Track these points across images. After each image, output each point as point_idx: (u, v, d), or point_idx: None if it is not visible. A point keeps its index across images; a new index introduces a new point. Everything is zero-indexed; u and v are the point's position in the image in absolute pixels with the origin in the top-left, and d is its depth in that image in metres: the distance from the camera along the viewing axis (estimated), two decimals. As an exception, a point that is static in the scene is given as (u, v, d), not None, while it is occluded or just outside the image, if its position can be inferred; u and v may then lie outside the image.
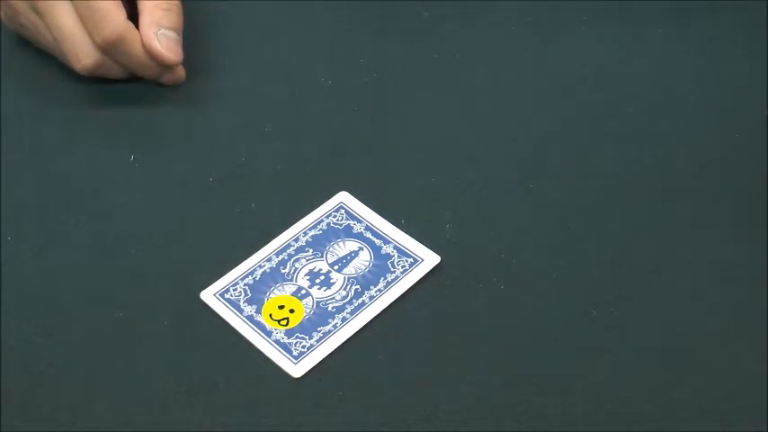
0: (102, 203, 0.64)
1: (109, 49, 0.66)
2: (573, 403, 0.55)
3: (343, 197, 0.64)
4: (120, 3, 0.67)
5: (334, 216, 0.63)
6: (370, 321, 0.58)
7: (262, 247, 0.61)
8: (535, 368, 0.56)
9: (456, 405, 0.55)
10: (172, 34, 0.68)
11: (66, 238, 0.62)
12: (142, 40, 0.67)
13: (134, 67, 0.68)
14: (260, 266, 0.61)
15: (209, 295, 0.59)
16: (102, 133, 0.68)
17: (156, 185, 0.65)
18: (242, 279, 0.60)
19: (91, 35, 0.66)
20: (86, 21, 0.66)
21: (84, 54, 0.67)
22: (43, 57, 0.71)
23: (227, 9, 0.75)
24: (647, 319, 0.58)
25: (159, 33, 0.67)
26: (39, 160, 0.66)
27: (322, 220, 0.63)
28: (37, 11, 0.67)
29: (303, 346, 0.57)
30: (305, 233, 0.62)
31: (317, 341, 0.57)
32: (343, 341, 0.57)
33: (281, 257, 0.61)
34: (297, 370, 0.56)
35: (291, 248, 0.61)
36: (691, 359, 0.56)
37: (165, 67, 0.68)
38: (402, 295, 0.59)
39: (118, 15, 0.66)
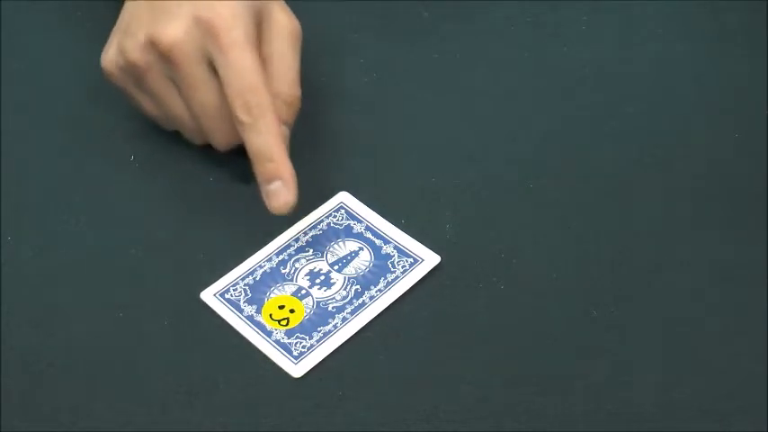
0: (102, 204, 0.64)
1: (242, 122, 0.59)
2: (573, 403, 0.55)
3: (343, 197, 0.64)
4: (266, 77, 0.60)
5: (335, 216, 0.63)
6: (370, 321, 0.58)
7: (262, 247, 0.61)
8: (535, 368, 0.56)
9: (456, 405, 0.55)
10: (285, 131, 0.61)
11: (66, 238, 0.62)
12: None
13: (257, 154, 0.60)
14: (260, 266, 0.61)
15: (209, 295, 0.59)
16: (102, 133, 0.68)
17: (156, 185, 0.65)
18: (242, 279, 0.60)
19: (235, 111, 0.59)
20: (228, 86, 0.59)
21: (225, 134, 0.62)
22: (43, 57, 0.71)
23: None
24: (647, 319, 0.58)
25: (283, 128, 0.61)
26: (39, 160, 0.66)
27: (322, 221, 0.63)
28: (179, 86, 0.61)
29: (303, 346, 0.57)
30: (305, 233, 0.62)
31: (317, 341, 0.57)
32: (343, 341, 0.57)
33: (281, 257, 0.61)
34: (297, 370, 0.56)
35: (291, 248, 0.61)
36: (691, 359, 0.56)
37: (279, 176, 0.59)
38: (402, 295, 0.59)
39: (262, 86, 0.59)
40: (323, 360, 0.57)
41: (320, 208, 0.63)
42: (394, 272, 0.60)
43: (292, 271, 0.60)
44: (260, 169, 0.60)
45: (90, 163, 0.66)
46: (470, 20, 0.74)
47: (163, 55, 0.60)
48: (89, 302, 0.59)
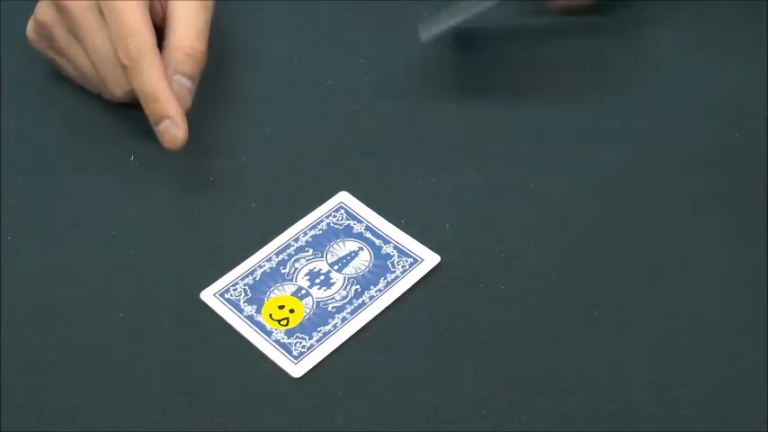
0: (103, 204, 0.64)
1: (130, 66, 0.62)
2: (573, 403, 0.55)
3: (343, 197, 0.64)
4: (150, 23, 0.63)
5: (334, 216, 0.63)
6: (370, 321, 0.58)
7: (262, 247, 0.61)
8: (535, 368, 0.56)
9: (456, 405, 0.55)
10: (186, 82, 0.64)
11: (66, 238, 0.62)
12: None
13: (142, 95, 0.63)
14: (260, 266, 0.61)
15: (209, 295, 0.59)
16: (102, 133, 0.68)
17: (156, 185, 0.65)
18: (242, 279, 0.60)
19: (118, 54, 0.63)
20: (113, 37, 0.63)
21: (120, 79, 0.64)
22: (42, 58, 0.71)
23: (227, 9, 0.75)
24: (647, 319, 0.58)
25: (174, 78, 0.64)
26: (39, 160, 0.66)
27: (322, 220, 0.63)
28: (76, 34, 0.65)
29: (303, 346, 0.57)
30: (305, 233, 0.62)
31: (317, 341, 0.57)
32: (343, 341, 0.57)
33: (281, 257, 0.61)
34: (297, 370, 0.56)
35: (291, 248, 0.61)
36: (691, 359, 0.56)
37: (165, 113, 0.63)
38: (402, 295, 0.59)
39: (143, 34, 0.62)
40: (323, 360, 0.57)
41: (320, 208, 0.63)
42: (394, 272, 0.60)
43: (292, 271, 0.60)
44: (148, 111, 0.63)
45: (90, 163, 0.66)
46: (470, 20, 0.74)
47: (60, 8, 0.65)
48: (89, 302, 0.59)
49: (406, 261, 0.60)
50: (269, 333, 0.58)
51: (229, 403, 0.55)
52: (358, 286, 0.59)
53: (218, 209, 0.63)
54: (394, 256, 0.61)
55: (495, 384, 0.56)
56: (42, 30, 0.67)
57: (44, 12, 0.66)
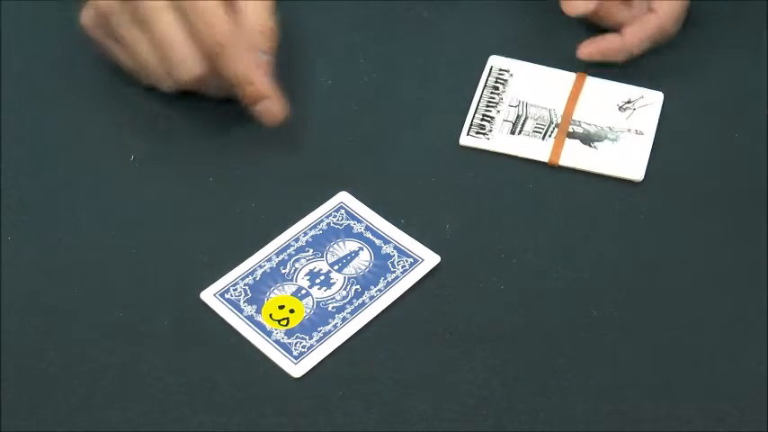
0: (102, 204, 0.64)
1: (216, 54, 0.63)
2: (573, 403, 0.55)
3: (343, 197, 0.64)
4: (228, 8, 0.64)
5: (334, 216, 0.63)
6: (370, 321, 0.58)
7: (262, 247, 0.61)
8: (535, 368, 0.56)
9: (456, 405, 0.55)
10: (266, 58, 0.65)
11: (66, 238, 0.62)
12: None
13: (236, 80, 0.64)
14: (260, 266, 0.61)
15: (209, 295, 0.59)
16: (102, 133, 0.68)
17: (156, 185, 0.65)
18: (242, 279, 0.60)
19: (198, 41, 0.63)
20: (195, 25, 0.63)
21: (191, 63, 0.63)
22: (44, 57, 0.71)
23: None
24: (647, 319, 0.58)
25: (257, 56, 0.64)
26: (39, 160, 0.66)
27: (322, 220, 0.63)
28: (138, 20, 0.64)
29: (303, 346, 0.57)
30: (305, 233, 0.62)
31: (317, 341, 0.57)
32: (343, 341, 0.57)
33: (281, 257, 0.61)
34: (297, 370, 0.56)
35: (291, 248, 0.61)
36: (691, 359, 0.56)
37: (262, 94, 0.64)
38: (402, 295, 0.59)
39: (226, 21, 0.63)
40: (323, 360, 0.57)
41: (320, 208, 0.63)
42: (394, 272, 0.60)
43: (292, 271, 0.60)
44: (244, 94, 0.64)
45: (90, 163, 0.66)
46: (470, 20, 0.74)
47: None
48: (89, 302, 0.59)
49: (406, 261, 0.60)
50: (269, 333, 0.58)
51: (229, 403, 0.55)
52: (358, 286, 0.59)
53: (219, 209, 0.63)
54: (394, 256, 0.61)
55: (495, 384, 0.56)
56: (101, 17, 0.66)
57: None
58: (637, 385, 0.55)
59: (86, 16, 0.67)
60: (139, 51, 0.65)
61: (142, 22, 0.64)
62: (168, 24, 0.63)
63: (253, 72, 0.64)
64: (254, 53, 0.64)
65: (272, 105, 0.64)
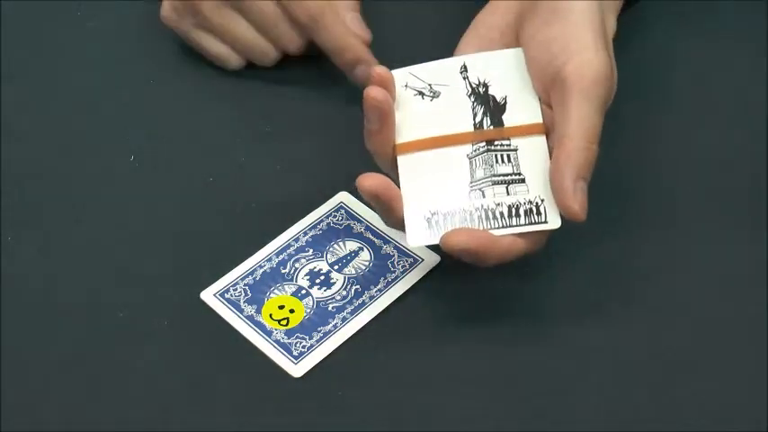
0: (102, 203, 0.64)
1: (312, 25, 0.66)
2: (573, 403, 0.55)
3: (343, 197, 0.64)
4: None
5: (334, 216, 0.63)
6: (370, 321, 0.58)
7: (262, 247, 0.61)
8: (535, 368, 0.56)
9: (456, 405, 0.55)
10: (357, 15, 0.68)
11: (66, 238, 0.62)
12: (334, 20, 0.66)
13: (329, 50, 0.67)
14: (260, 266, 0.61)
15: (209, 295, 0.59)
16: (102, 133, 0.68)
17: (156, 185, 0.65)
18: (242, 279, 0.60)
19: (293, 16, 0.66)
20: (288, 5, 0.65)
21: (289, 37, 0.67)
22: (44, 57, 0.71)
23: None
24: (647, 320, 0.58)
25: (349, 16, 0.67)
26: (39, 160, 0.66)
27: (322, 221, 0.63)
28: (234, 4, 0.66)
29: (303, 346, 0.57)
30: (305, 233, 0.62)
31: (317, 341, 0.57)
32: (343, 341, 0.57)
33: (281, 257, 0.61)
34: (297, 370, 0.56)
35: (291, 248, 0.61)
36: (691, 359, 0.56)
37: (356, 61, 0.67)
38: (402, 295, 0.59)
39: None
40: (323, 360, 0.57)
41: (320, 208, 0.63)
42: (394, 272, 0.60)
43: (292, 271, 0.60)
44: (340, 61, 0.67)
45: (90, 163, 0.66)
46: (470, 20, 0.74)
47: None
48: (89, 302, 0.59)
49: (406, 261, 0.60)
50: (269, 333, 0.58)
51: (229, 403, 0.55)
52: (358, 286, 0.59)
53: (219, 209, 0.63)
54: (394, 256, 0.61)
55: (495, 384, 0.56)
56: (188, 8, 0.67)
57: None
58: (637, 385, 0.55)
59: (167, 9, 0.68)
60: (235, 31, 0.67)
61: (239, 9, 0.66)
62: (264, 4, 0.66)
63: (347, 39, 0.66)
64: (345, 16, 0.67)
65: (368, 69, 0.64)
